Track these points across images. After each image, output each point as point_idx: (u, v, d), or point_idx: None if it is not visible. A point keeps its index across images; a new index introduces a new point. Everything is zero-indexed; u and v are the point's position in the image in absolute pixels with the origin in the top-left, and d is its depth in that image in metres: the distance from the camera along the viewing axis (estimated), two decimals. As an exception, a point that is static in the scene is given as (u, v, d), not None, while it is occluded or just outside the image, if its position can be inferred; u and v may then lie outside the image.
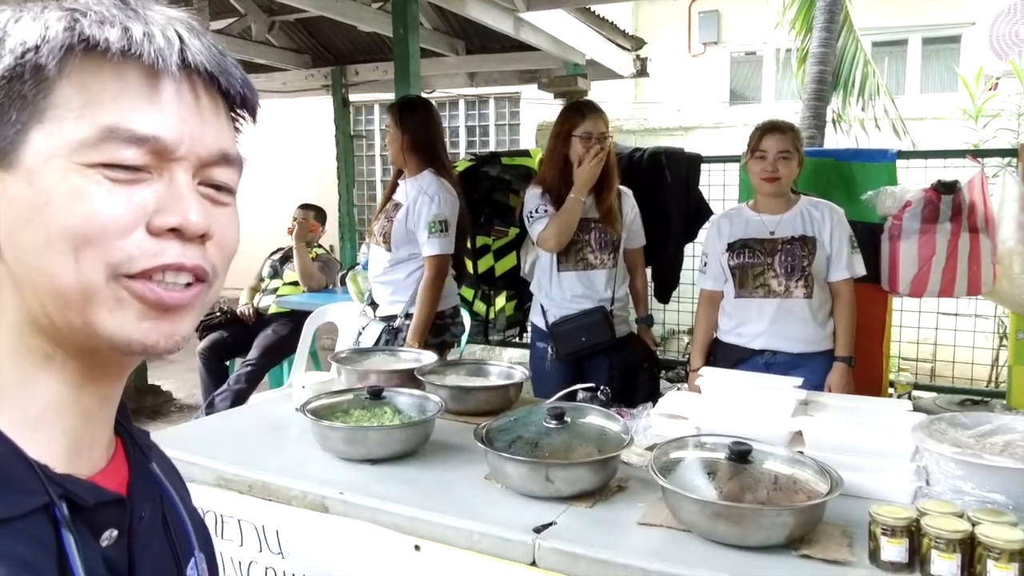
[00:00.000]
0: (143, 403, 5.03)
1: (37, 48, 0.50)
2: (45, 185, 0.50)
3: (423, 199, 2.78)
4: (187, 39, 0.53)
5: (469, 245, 4.01)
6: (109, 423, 0.61)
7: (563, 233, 2.68)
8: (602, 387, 2.13)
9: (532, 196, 2.79)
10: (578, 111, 2.77)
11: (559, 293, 2.81)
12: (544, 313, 2.84)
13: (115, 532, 0.56)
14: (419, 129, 2.85)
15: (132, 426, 0.67)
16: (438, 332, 2.87)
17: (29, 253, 0.51)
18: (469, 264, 4.03)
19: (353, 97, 7.34)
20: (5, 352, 0.53)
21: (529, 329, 3.10)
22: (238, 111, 0.59)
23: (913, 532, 1.24)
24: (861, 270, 2.60)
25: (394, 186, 2.97)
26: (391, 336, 2.86)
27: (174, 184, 0.53)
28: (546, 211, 2.72)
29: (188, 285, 0.55)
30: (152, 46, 0.51)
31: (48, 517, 0.51)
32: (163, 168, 0.53)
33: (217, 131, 0.56)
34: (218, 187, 0.57)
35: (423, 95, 3.79)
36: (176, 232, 0.53)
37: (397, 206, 2.87)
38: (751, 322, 2.59)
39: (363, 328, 2.97)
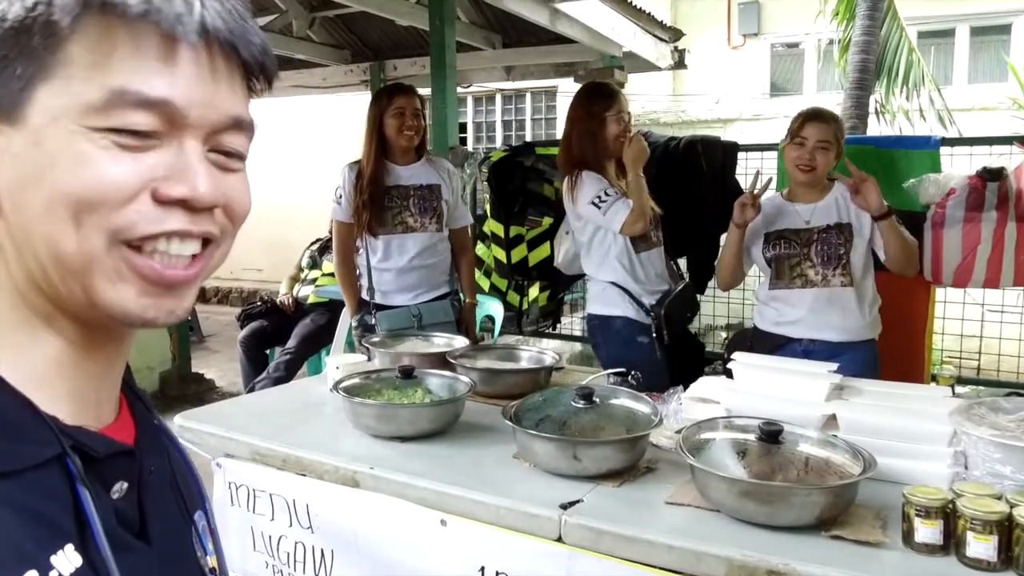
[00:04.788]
0: (187, 391, 5.15)
1: (50, 1, 0.48)
2: (50, 147, 0.49)
3: (454, 176, 2.99)
4: (207, 2, 0.51)
5: (503, 235, 4.03)
6: (116, 384, 0.60)
7: (646, 214, 2.61)
8: (633, 372, 2.13)
9: (591, 180, 2.62)
10: (607, 94, 2.74)
11: (645, 275, 2.70)
12: (637, 300, 2.67)
13: (125, 484, 0.56)
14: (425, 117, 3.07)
15: (135, 384, 0.67)
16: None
17: (30, 215, 0.50)
18: (502, 254, 4.05)
19: (393, 83, 7.40)
20: (9, 308, 0.53)
21: (608, 329, 2.70)
22: (254, 77, 0.57)
23: (948, 514, 1.21)
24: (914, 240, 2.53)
25: (378, 173, 2.85)
26: (456, 308, 3.01)
27: (184, 152, 0.52)
28: (616, 193, 2.59)
29: (193, 258, 0.54)
30: (171, 10, 0.49)
31: (61, 469, 0.51)
32: (173, 135, 0.51)
33: (231, 97, 0.54)
34: (228, 153, 0.55)
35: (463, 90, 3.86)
36: (183, 202, 0.51)
37: (431, 188, 2.89)
38: (790, 311, 2.55)
39: (416, 314, 2.89)
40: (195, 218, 0.52)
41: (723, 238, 3.53)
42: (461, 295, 3.12)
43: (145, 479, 0.58)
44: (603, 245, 2.67)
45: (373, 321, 2.89)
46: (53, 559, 0.48)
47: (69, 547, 0.49)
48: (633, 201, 2.56)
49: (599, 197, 2.58)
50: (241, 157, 0.57)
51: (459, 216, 3.00)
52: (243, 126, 0.56)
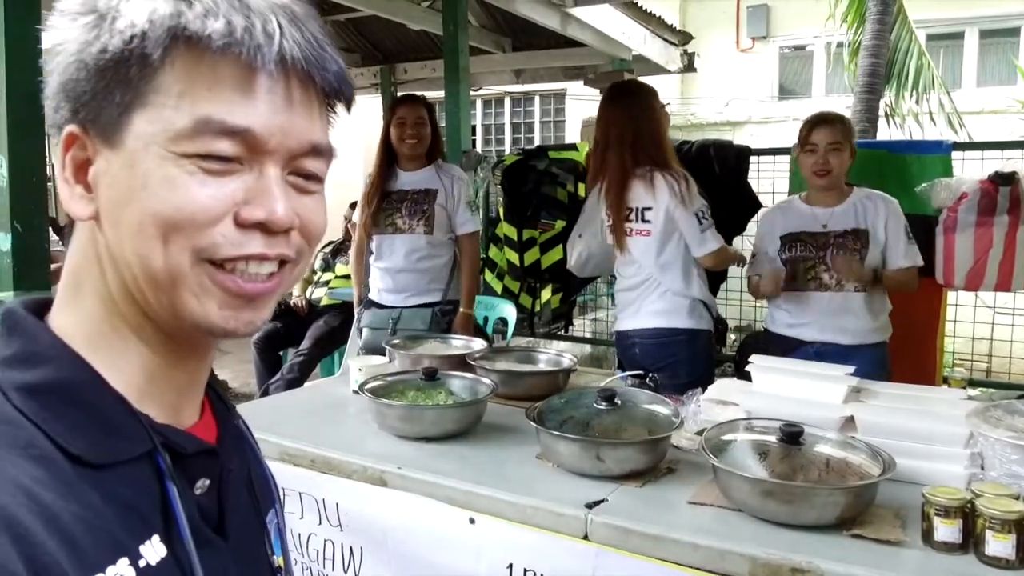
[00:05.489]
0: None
1: (144, 35, 0.51)
2: (143, 170, 0.52)
3: (457, 183, 3.02)
4: (287, 31, 0.53)
5: (516, 238, 4.06)
6: (199, 390, 0.64)
7: (727, 262, 2.75)
8: (651, 374, 2.16)
9: (697, 189, 2.52)
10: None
11: None
12: (710, 313, 2.62)
13: (207, 481, 0.59)
14: (438, 125, 3.15)
15: (219, 387, 0.71)
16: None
17: (125, 232, 0.53)
18: (515, 257, 4.08)
19: (402, 95, 7.45)
20: (106, 314, 0.56)
21: (695, 343, 2.59)
22: (332, 102, 0.60)
23: (967, 513, 1.24)
24: (919, 260, 2.56)
25: (388, 176, 3.02)
26: (441, 319, 2.97)
27: (264, 177, 0.55)
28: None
29: (270, 275, 0.57)
30: (252, 42, 0.52)
31: (151, 464, 0.55)
32: (254, 160, 0.54)
33: (308, 123, 0.57)
34: (307, 175, 0.58)
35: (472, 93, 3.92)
36: (261, 225, 0.55)
37: (427, 192, 2.97)
38: (803, 314, 2.57)
39: (395, 318, 2.99)
40: (272, 241, 0.56)
41: (736, 241, 3.56)
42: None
43: (225, 477, 0.62)
44: (689, 261, 2.56)
45: (361, 316, 3.09)
46: (142, 548, 0.51)
47: (156, 538, 0.53)
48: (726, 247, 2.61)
49: (702, 212, 2.53)
50: (319, 179, 0.60)
51: (461, 222, 3.02)
52: (321, 151, 0.59)
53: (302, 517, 1.66)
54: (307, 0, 0.57)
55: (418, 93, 3.19)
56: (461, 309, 3.02)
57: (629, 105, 2.59)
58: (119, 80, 0.52)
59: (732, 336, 5.17)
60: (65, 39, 0.53)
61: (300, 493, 1.66)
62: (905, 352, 2.77)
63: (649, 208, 2.52)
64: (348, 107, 0.61)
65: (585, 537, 1.37)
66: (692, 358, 2.57)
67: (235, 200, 0.54)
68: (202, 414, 0.64)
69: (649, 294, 2.57)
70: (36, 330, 0.55)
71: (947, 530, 1.24)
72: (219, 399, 0.69)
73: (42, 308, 0.58)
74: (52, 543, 0.45)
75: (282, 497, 1.66)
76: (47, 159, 2.55)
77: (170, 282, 0.54)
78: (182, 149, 0.52)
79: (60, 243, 4.17)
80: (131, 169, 0.53)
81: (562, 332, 4.67)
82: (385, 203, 3.00)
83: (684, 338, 2.56)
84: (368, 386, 1.86)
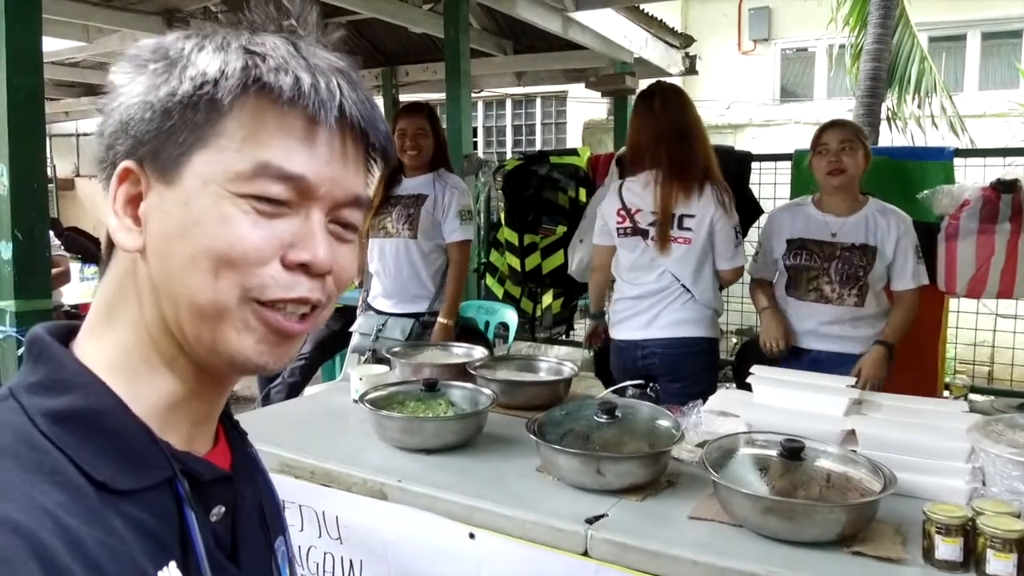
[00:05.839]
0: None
1: (216, 82, 0.54)
2: (199, 207, 0.55)
3: (451, 192, 2.99)
4: (346, 92, 0.57)
5: (517, 243, 4.06)
6: (214, 420, 0.66)
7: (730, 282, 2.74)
8: (652, 384, 2.16)
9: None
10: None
11: None
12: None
13: (223, 508, 0.61)
14: (443, 133, 3.16)
15: (233, 414, 0.73)
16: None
17: (175, 265, 0.56)
18: (516, 261, 4.08)
19: (403, 97, 7.45)
20: (138, 344, 0.58)
21: (712, 352, 2.63)
22: (374, 158, 0.64)
23: (968, 531, 1.23)
24: (925, 280, 2.54)
25: (391, 182, 3.06)
26: (423, 330, 2.99)
27: (310, 222, 0.58)
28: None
29: (303, 317, 0.59)
30: (317, 97, 0.56)
31: (171, 491, 0.56)
32: (302, 205, 0.58)
33: (355, 177, 0.61)
34: (345, 225, 0.62)
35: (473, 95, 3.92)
36: (304, 267, 0.58)
37: (417, 197, 2.99)
38: (800, 322, 2.57)
39: (382, 325, 3.02)
40: (313, 285, 0.58)
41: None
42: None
43: (239, 504, 0.63)
44: (714, 274, 2.57)
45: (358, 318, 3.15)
46: (160, 574, 0.53)
47: (172, 564, 0.54)
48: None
49: (738, 226, 2.57)
50: (355, 229, 0.63)
51: (449, 231, 3.01)
52: (360, 203, 0.62)
53: (302, 530, 1.66)
54: (317, 10, 0.63)
55: (421, 101, 3.20)
56: (439, 319, 2.97)
57: (674, 108, 2.54)
58: (184, 122, 0.55)
59: (733, 339, 5.18)
60: (131, 82, 0.56)
61: (300, 506, 1.66)
62: (907, 358, 2.76)
63: (692, 216, 2.49)
64: (388, 165, 0.65)
65: (585, 553, 1.37)
66: (710, 367, 2.60)
67: (283, 242, 0.56)
68: (216, 441, 0.66)
69: (671, 302, 2.51)
70: (62, 357, 0.57)
71: (948, 548, 1.23)
72: (233, 427, 0.71)
73: (67, 334, 0.60)
74: (77, 567, 0.46)
75: (283, 510, 1.67)
76: (48, 167, 2.55)
77: (215, 316, 0.56)
78: (239, 189, 0.55)
79: (61, 247, 4.18)
80: (186, 206, 0.55)
81: (563, 337, 4.67)
82: (382, 208, 3.04)
83: (706, 347, 2.55)
84: (368, 397, 1.86)
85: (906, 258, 2.47)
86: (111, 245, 0.60)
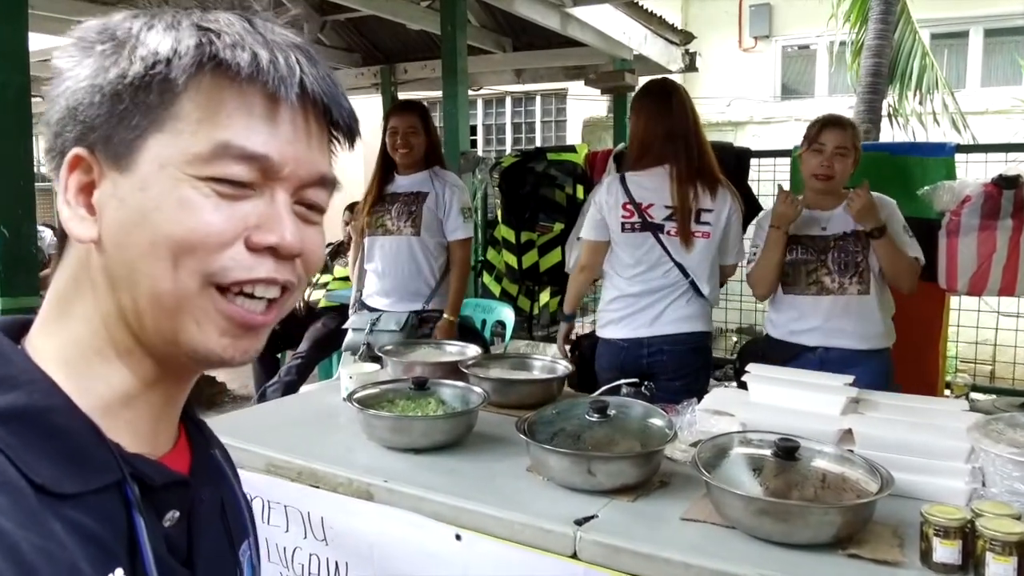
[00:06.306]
0: (199, 393, 5.17)
1: (168, 61, 0.52)
2: (156, 192, 0.53)
3: (452, 189, 3.00)
4: (306, 67, 0.55)
5: (514, 240, 4.03)
6: (175, 416, 0.64)
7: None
8: (646, 383, 2.12)
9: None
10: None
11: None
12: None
13: (177, 513, 0.58)
14: (436, 131, 3.16)
15: (195, 412, 0.70)
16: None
17: (133, 254, 0.53)
18: (513, 259, 4.05)
19: (402, 95, 7.43)
20: (92, 337, 0.56)
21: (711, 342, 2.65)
22: (338, 137, 0.62)
23: (967, 533, 1.20)
24: (920, 254, 2.50)
25: (384, 181, 3.06)
26: (419, 324, 2.97)
27: (275, 203, 0.56)
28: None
29: (271, 302, 0.57)
30: (277, 73, 0.54)
31: (118, 494, 0.53)
32: (266, 186, 0.56)
33: (320, 155, 0.59)
34: (311, 206, 0.60)
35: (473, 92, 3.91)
36: (272, 249, 0.56)
37: (418, 195, 2.98)
38: (804, 319, 2.53)
39: (376, 319, 2.98)
40: (280, 266, 0.57)
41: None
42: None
43: (196, 508, 0.61)
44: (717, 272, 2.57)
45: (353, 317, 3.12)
46: None
47: (120, 571, 0.51)
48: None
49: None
50: (321, 210, 0.61)
51: (452, 228, 3.01)
52: (326, 182, 0.60)
53: (287, 531, 1.63)
54: (310, 11, 0.59)
55: (414, 99, 3.20)
56: (445, 315, 2.99)
57: (689, 105, 2.55)
58: (137, 104, 0.53)
59: (734, 339, 5.14)
60: (76, 66, 0.54)
61: (285, 506, 1.63)
62: (908, 357, 2.72)
63: (709, 211, 2.46)
64: (352, 144, 0.63)
65: (574, 555, 1.33)
66: (707, 364, 2.60)
67: (247, 224, 0.55)
68: (177, 442, 0.64)
69: (676, 298, 2.46)
70: (10, 353, 0.54)
71: (946, 551, 1.20)
72: (196, 428, 0.68)
73: (20, 329, 0.57)
74: (7, 570, 0.44)
75: (266, 512, 1.64)
76: (35, 164, 2.53)
77: (175, 305, 0.54)
78: (198, 172, 0.53)
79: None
80: (143, 192, 0.53)
81: (561, 335, 4.62)
82: (378, 206, 3.03)
83: (707, 343, 2.57)
84: (357, 395, 1.83)
85: (896, 234, 2.45)
86: (64, 236, 0.58)
